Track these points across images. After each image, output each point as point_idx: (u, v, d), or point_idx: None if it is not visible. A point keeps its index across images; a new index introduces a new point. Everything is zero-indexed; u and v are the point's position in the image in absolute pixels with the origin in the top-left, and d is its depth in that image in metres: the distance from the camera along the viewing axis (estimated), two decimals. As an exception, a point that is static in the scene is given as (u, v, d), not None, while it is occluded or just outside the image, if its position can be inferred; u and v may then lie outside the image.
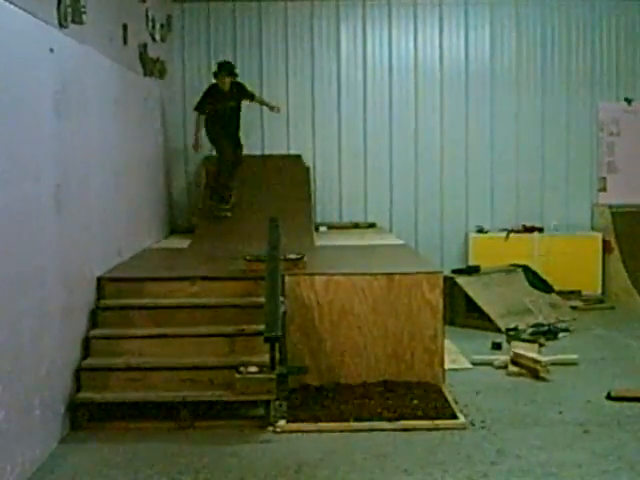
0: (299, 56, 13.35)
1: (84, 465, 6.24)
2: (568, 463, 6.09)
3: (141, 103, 10.63)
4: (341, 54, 13.40)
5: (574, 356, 9.08)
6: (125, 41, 9.57)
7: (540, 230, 13.21)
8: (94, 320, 7.73)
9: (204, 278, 8.23)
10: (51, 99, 6.66)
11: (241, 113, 11.91)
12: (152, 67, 11.18)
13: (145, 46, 10.70)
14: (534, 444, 6.53)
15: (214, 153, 12.15)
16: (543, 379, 8.37)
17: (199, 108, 11.72)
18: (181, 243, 11.38)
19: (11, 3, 5.81)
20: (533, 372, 8.48)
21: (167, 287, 8.16)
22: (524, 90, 13.48)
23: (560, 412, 7.35)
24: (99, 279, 8.00)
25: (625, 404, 7.52)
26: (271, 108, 12.10)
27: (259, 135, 13.15)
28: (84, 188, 7.61)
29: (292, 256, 8.42)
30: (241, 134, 12.02)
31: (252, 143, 12.73)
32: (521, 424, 7.05)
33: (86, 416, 7.03)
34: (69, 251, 7.03)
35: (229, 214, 11.90)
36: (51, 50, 6.65)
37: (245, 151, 12.14)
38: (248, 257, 8.46)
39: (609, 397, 7.66)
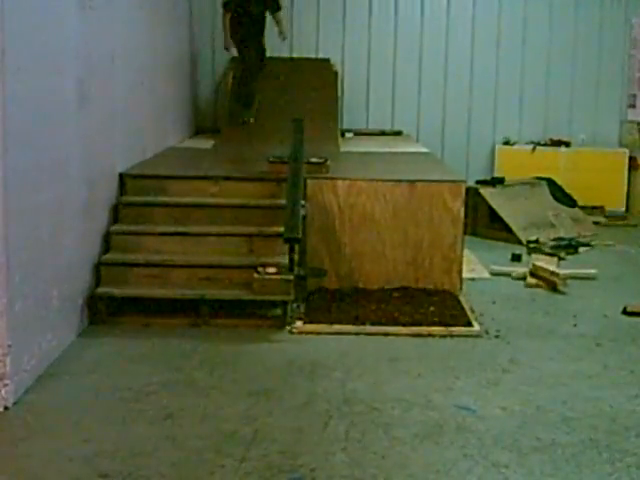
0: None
1: (101, 358, 6.34)
2: (579, 374, 6.13)
3: (170, 0, 10.53)
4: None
5: (593, 271, 9.08)
6: None
7: (567, 144, 13.08)
8: (115, 216, 7.77)
9: (226, 178, 8.23)
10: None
11: (267, 18, 11.62)
12: (181, -37, 11.04)
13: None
14: (547, 355, 6.57)
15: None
16: (560, 292, 8.38)
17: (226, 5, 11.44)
18: (205, 143, 11.37)
19: None
20: (551, 284, 8.49)
21: (189, 186, 8.17)
22: (557, 2, 13.20)
23: (575, 325, 7.37)
24: (121, 175, 8.01)
25: (640, 320, 7.55)
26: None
27: (288, 37, 12.90)
28: (108, 83, 7.57)
29: (315, 160, 8.39)
30: (266, 39, 11.75)
31: (280, 45, 12.33)
32: (535, 335, 7.08)
33: (105, 310, 7.10)
34: (91, 146, 7.02)
35: (252, 120, 11.79)
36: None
37: (272, 53, 11.99)
38: (271, 159, 8.44)
39: (625, 312, 7.68)
